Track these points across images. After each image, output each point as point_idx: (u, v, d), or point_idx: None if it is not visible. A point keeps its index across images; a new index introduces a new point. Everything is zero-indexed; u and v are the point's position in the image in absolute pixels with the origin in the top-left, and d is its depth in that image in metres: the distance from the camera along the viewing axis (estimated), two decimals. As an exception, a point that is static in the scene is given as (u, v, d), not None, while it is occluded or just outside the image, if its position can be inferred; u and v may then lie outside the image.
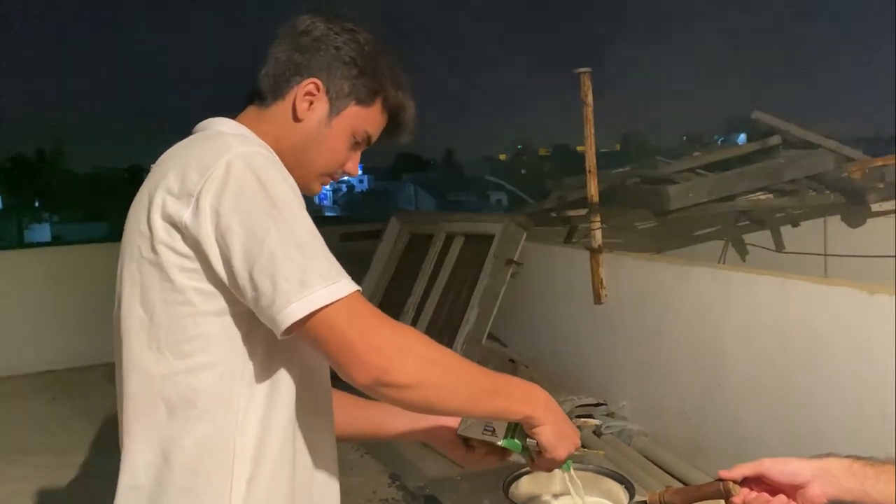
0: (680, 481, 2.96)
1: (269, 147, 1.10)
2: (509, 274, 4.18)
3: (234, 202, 0.99)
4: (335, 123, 1.17)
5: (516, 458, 1.27)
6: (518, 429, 1.19)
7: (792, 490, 1.12)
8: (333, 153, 1.19)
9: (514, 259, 4.20)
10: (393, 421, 1.38)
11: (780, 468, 1.12)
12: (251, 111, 1.20)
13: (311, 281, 0.97)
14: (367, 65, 1.17)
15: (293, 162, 1.15)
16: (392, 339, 1.01)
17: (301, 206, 1.03)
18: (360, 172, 1.43)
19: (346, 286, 0.99)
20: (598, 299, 3.70)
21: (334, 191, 67.31)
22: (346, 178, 1.28)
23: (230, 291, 1.03)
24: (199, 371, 1.05)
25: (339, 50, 1.16)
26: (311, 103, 1.16)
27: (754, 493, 1.14)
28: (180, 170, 1.04)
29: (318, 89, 1.16)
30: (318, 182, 1.22)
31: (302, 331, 0.98)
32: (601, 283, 3.67)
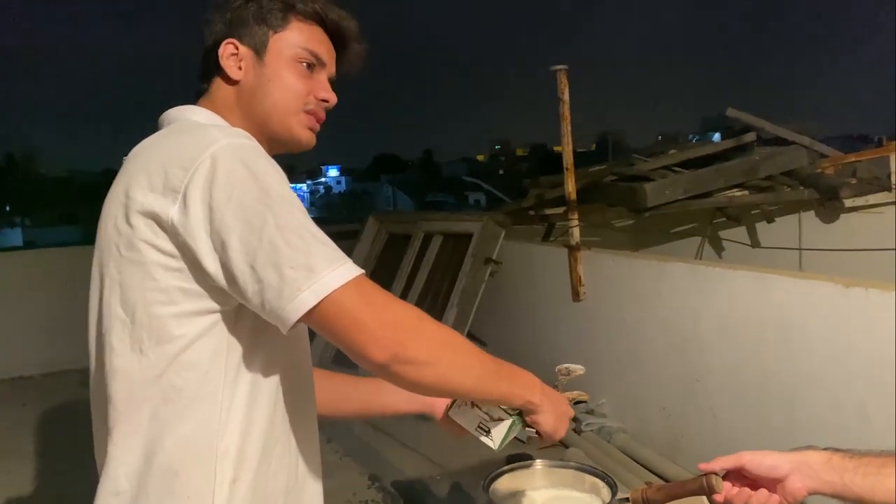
0: (661, 478, 2.97)
1: (248, 135, 1.06)
2: (488, 272, 4.18)
3: (226, 195, 0.96)
4: (267, 60, 1.16)
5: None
6: (516, 421, 1.17)
7: (772, 483, 1.12)
8: (286, 85, 1.16)
9: (493, 258, 4.19)
10: (387, 394, 1.37)
11: (759, 461, 1.12)
12: (203, 101, 1.18)
13: (317, 266, 0.94)
14: None
15: (261, 119, 1.16)
16: (406, 315, 0.99)
17: (293, 193, 1.01)
18: (335, 99, 1.36)
19: (352, 268, 0.97)
20: (576, 297, 3.71)
21: (311, 192, 67.14)
22: (326, 105, 1.21)
23: (216, 291, 1.00)
24: (182, 370, 1.02)
25: (232, 2, 1.17)
26: (240, 61, 1.16)
27: (736, 489, 1.13)
28: (161, 164, 1.00)
29: (236, 46, 1.16)
30: (298, 124, 1.18)
31: (311, 318, 0.95)
32: (579, 280, 3.68)
